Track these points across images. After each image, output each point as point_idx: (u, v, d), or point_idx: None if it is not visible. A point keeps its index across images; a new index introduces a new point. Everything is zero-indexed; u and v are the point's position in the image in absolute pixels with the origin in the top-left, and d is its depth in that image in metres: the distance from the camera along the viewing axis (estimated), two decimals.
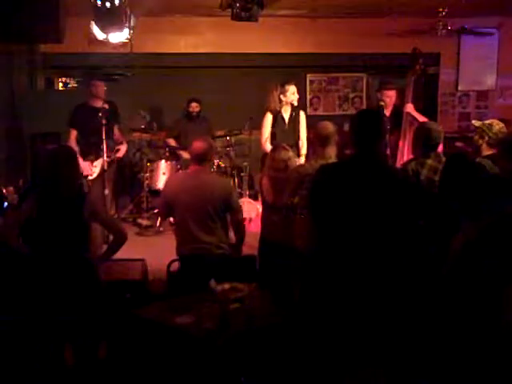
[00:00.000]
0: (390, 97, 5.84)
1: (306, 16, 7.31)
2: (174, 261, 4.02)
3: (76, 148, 5.70)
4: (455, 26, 7.43)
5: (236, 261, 4.12)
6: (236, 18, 5.56)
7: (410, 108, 5.49)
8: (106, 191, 5.81)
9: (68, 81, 7.85)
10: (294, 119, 5.72)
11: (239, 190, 6.84)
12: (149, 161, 6.99)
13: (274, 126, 5.73)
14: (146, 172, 6.87)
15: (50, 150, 4.02)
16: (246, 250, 4.40)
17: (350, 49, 7.72)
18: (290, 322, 3.23)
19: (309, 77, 8.37)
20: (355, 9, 6.88)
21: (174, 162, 6.78)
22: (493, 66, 8.19)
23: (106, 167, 5.80)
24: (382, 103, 5.73)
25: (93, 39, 5.47)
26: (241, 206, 4.32)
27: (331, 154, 3.97)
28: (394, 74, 7.22)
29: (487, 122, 4.28)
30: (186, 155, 6.58)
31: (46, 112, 6.66)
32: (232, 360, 3.05)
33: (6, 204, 4.69)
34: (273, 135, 5.72)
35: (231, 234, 4.27)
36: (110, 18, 4.88)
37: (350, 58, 7.96)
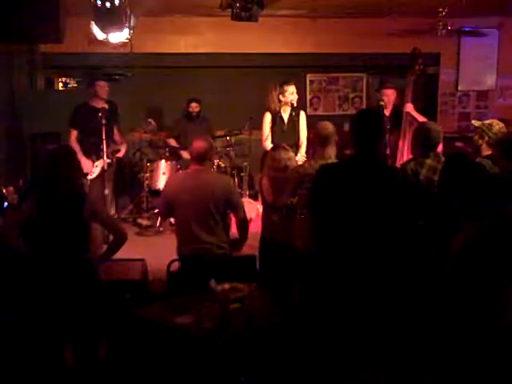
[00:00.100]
0: (388, 96, 5.85)
1: (306, 16, 7.31)
2: (174, 261, 4.02)
3: (77, 147, 5.72)
4: (455, 26, 7.43)
5: (236, 261, 4.12)
6: (236, 18, 5.56)
7: (409, 108, 5.49)
8: (106, 191, 5.81)
9: (68, 81, 7.85)
10: (294, 119, 5.71)
11: (239, 190, 6.83)
12: (149, 161, 6.99)
13: (273, 125, 5.73)
14: (146, 172, 6.87)
15: (50, 149, 4.03)
16: (246, 250, 4.39)
17: (350, 49, 7.72)
18: (289, 321, 3.23)
19: (309, 77, 8.37)
20: (355, 9, 6.88)
21: (174, 162, 6.78)
22: (493, 66, 8.19)
23: (106, 167, 5.81)
24: (382, 103, 5.73)
25: (93, 39, 5.46)
26: (243, 204, 4.32)
27: (331, 154, 3.97)
28: (394, 74, 7.21)
29: (487, 122, 4.29)
30: (186, 155, 6.59)
31: (46, 112, 6.66)
32: (232, 360, 3.05)
33: (6, 204, 4.69)
34: (272, 135, 5.72)
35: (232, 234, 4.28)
36: (110, 18, 4.88)
37: (350, 58, 7.96)
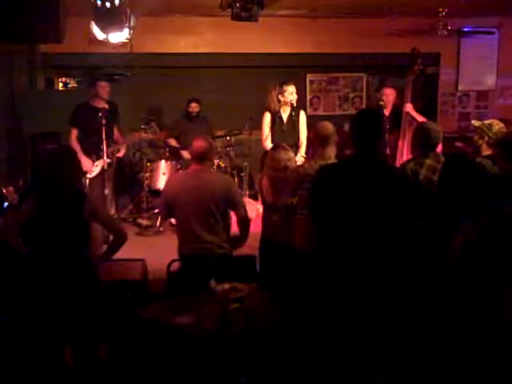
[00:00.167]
0: (388, 95, 5.85)
1: (306, 16, 7.31)
2: (174, 261, 4.02)
3: (77, 147, 5.73)
4: (455, 26, 7.44)
5: (236, 261, 4.12)
6: (236, 18, 5.56)
7: (408, 108, 5.50)
8: (106, 191, 5.82)
9: (68, 81, 7.85)
10: (293, 119, 5.71)
11: (239, 190, 6.84)
12: (149, 161, 6.99)
13: (272, 125, 5.74)
14: (146, 172, 6.87)
15: (50, 149, 4.04)
16: (246, 250, 4.40)
17: (350, 49, 7.73)
18: (290, 321, 3.23)
19: (309, 77, 8.37)
20: (355, 9, 6.88)
21: (174, 162, 6.79)
22: (493, 66, 8.19)
23: (106, 167, 5.81)
24: (382, 103, 5.73)
25: (93, 39, 5.47)
26: (243, 201, 4.32)
27: (331, 154, 3.97)
28: (394, 74, 7.22)
29: (487, 122, 4.29)
30: (186, 155, 6.59)
31: (46, 112, 6.67)
32: (232, 360, 3.05)
33: (6, 204, 4.69)
34: (272, 135, 5.72)
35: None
36: (110, 18, 4.88)
37: (350, 58, 7.96)
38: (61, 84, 7.86)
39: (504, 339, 2.67)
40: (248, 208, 4.33)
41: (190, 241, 4.04)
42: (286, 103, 5.69)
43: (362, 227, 2.99)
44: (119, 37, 5.16)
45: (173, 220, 4.84)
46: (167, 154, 7.02)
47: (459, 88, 8.28)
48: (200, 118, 7.26)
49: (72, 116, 6.06)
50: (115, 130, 6.28)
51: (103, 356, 3.50)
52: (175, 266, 4.02)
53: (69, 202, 3.50)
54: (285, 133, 5.68)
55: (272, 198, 4.29)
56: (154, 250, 5.35)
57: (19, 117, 7.04)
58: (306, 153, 5.55)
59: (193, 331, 3.08)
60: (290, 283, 3.75)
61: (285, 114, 5.74)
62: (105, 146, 5.71)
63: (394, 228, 3.02)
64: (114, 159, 6.20)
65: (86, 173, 5.82)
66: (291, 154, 4.36)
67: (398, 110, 5.68)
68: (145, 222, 6.66)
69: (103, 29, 5.03)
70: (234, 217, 4.26)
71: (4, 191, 4.82)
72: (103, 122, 5.64)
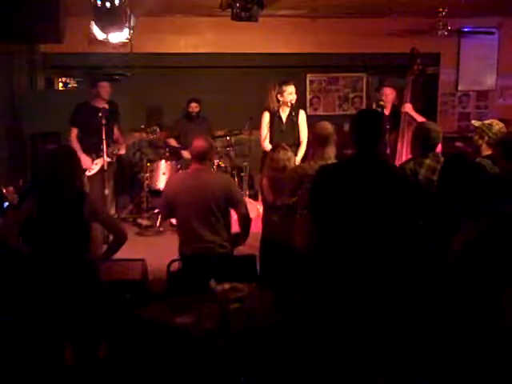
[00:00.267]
0: (387, 95, 5.85)
1: (306, 16, 7.31)
2: (174, 261, 4.02)
3: (77, 145, 5.73)
4: (455, 26, 7.44)
5: (236, 261, 4.12)
6: (236, 18, 5.56)
7: (408, 108, 5.50)
8: (106, 191, 5.82)
9: (68, 81, 7.85)
10: (293, 119, 5.71)
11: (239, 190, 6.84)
12: (149, 161, 7.00)
13: (271, 125, 5.74)
14: (146, 172, 6.87)
15: (50, 149, 4.04)
16: (246, 250, 4.40)
17: (350, 49, 7.73)
18: (290, 321, 3.23)
19: (309, 77, 8.37)
20: (355, 9, 6.88)
21: (174, 162, 6.79)
22: (493, 66, 8.20)
23: (106, 167, 5.81)
24: (382, 102, 5.73)
25: (93, 39, 5.47)
26: (244, 199, 4.32)
27: (330, 154, 3.97)
28: (395, 74, 7.22)
29: (487, 122, 4.28)
30: (186, 155, 6.59)
31: (46, 112, 6.67)
32: (232, 360, 3.05)
33: (6, 204, 4.69)
34: (271, 135, 5.72)
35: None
36: (110, 18, 4.88)
37: (350, 58, 7.96)
38: (61, 84, 7.86)
39: (504, 339, 2.67)
40: (248, 208, 4.33)
41: (191, 240, 4.04)
42: (285, 103, 5.69)
43: (361, 227, 2.99)
44: (119, 37, 5.16)
45: (173, 220, 4.85)
46: (167, 154, 7.02)
47: (459, 88, 8.28)
48: (200, 118, 7.26)
49: (72, 116, 6.07)
50: (115, 130, 6.28)
51: (103, 356, 3.50)
52: (175, 265, 4.02)
53: (69, 202, 3.50)
54: (284, 133, 5.68)
55: (272, 197, 4.29)
56: (154, 250, 5.36)
57: (19, 117, 7.04)
58: (306, 153, 5.55)
59: (193, 331, 3.08)
60: (290, 283, 3.75)
61: (284, 113, 5.74)
62: (105, 146, 5.72)
63: (394, 228, 3.02)
64: (114, 158, 6.20)
65: (85, 170, 5.81)
66: (290, 154, 4.36)
67: (397, 109, 5.69)
68: (145, 222, 6.66)
69: (103, 29, 5.03)
70: (234, 216, 4.27)
71: (4, 191, 4.82)
72: (103, 121, 5.65)
